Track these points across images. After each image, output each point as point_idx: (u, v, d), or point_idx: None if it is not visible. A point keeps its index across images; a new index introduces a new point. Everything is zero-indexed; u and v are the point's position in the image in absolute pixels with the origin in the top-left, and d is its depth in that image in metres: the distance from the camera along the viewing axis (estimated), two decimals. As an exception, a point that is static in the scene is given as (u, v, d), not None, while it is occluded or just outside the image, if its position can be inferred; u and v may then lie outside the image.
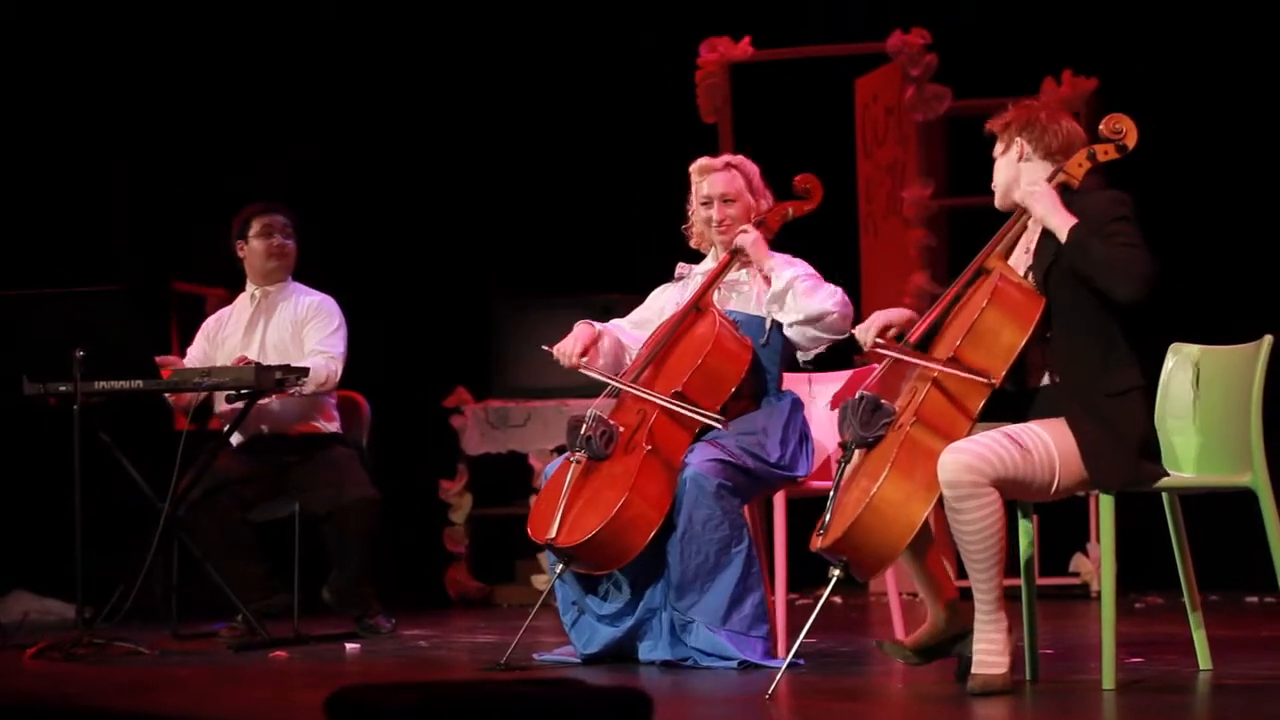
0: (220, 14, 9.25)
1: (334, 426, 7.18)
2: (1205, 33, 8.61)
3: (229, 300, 7.54)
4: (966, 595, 4.98)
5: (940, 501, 4.89)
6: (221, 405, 7.02)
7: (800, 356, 6.00)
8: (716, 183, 6.05)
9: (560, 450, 5.83)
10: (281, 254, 7.18)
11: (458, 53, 9.64)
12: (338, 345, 7.07)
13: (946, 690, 5.07)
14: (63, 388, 6.54)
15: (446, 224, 9.59)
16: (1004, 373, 4.94)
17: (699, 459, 5.71)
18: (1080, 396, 4.93)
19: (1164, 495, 5.12)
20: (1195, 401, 5.16)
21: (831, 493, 5.02)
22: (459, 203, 9.63)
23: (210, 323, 7.30)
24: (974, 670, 4.91)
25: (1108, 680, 4.93)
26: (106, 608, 6.60)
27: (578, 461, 5.76)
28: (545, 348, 6.01)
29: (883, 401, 5.01)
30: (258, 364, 6.67)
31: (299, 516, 6.92)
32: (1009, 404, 5.04)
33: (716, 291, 6.02)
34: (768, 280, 5.94)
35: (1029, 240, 5.13)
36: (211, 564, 6.78)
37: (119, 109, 9.04)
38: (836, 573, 4.97)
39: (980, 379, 4.91)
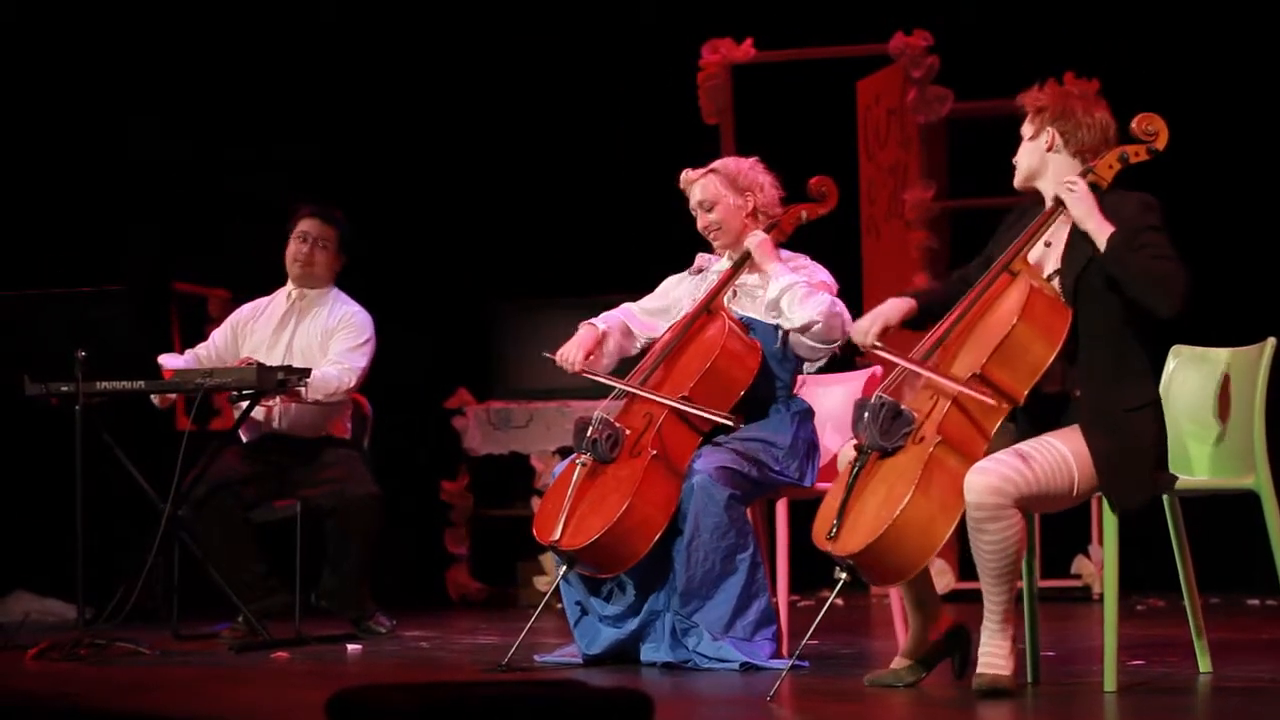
0: (221, 15, 9.25)
1: (344, 432, 7.19)
2: (1207, 34, 8.61)
3: (229, 301, 7.54)
4: (973, 596, 4.97)
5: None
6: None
7: (805, 368, 5.99)
8: (695, 191, 6.06)
9: (565, 451, 5.82)
10: (307, 262, 7.14)
11: (459, 54, 9.64)
12: (358, 360, 7.04)
13: (948, 692, 5.07)
14: (64, 388, 6.54)
15: (449, 225, 9.59)
16: (1026, 393, 4.91)
17: (707, 465, 5.71)
18: (1098, 412, 4.90)
19: (1165, 497, 5.12)
20: (1219, 403, 5.16)
21: (844, 494, 4.96)
22: (461, 204, 9.63)
23: (245, 310, 7.26)
24: (980, 669, 4.91)
25: (1109, 682, 4.93)
26: (108, 608, 6.60)
27: (583, 464, 5.76)
28: (547, 354, 6.01)
29: (903, 408, 4.96)
30: (260, 364, 6.66)
31: (301, 515, 6.92)
32: (1024, 409, 5.01)
33: (731, 294, 6.01)
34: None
35: (1051, 235, 5.08)
36: (213, 565, 6.78)
37: (120, 109, 9.04)
38: (843, 576, 4.95)
39: (993, 401, 4.87)
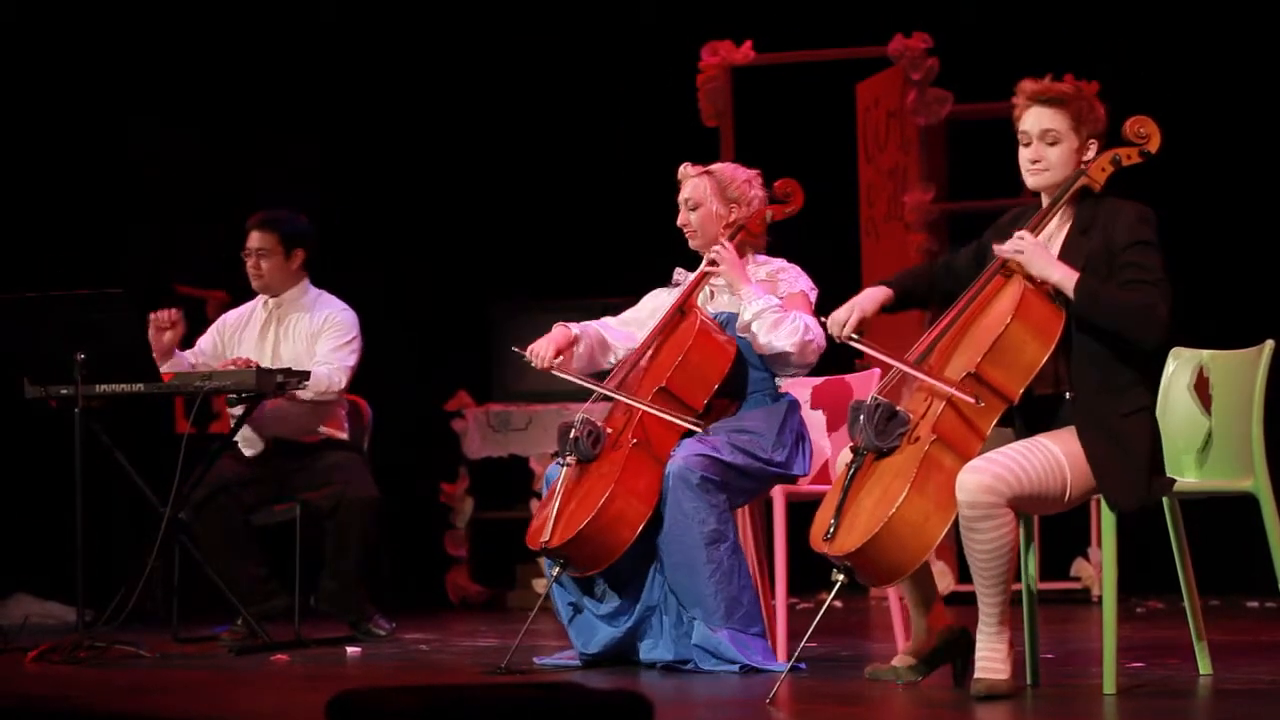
0: (222, 18, 9.25)
1: (344, 436, 7.18)
2: (1207, 36, 8.61)
3: (229, 303, 7.54)
4: (973, 599, 4.97)
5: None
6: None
7: (777, 380, 6.02)
8: (685, 188, 6.07)
9: (557, 456, 5.85)
10: (256, 276, 7.12)
11: (459, 56, 9.65)
12: (346, 359, 7.03)
13: (947, 695, 5.07)
14: (64, 390, 6.54)
15: (448, 227, 9.60)
16: (1020, 393, 4.91)
17: (685, 453, 5.73)
18: (1092, 414, 4.89)
19: (1165, 500, 5.12)
20: (1199, 403, 5.16)
21: (840, 496, 4.98)
22: (461, 206, 9.64)
23: (228, 319, 7.26)
24: (978, 675, 4.91)
25: (1109, 685, 4.93)
26: (108, 611, 6.60)
27: (567, 465, 5.79)
28: (516, 349, 6.03)
29: (898, 409, 4.97)
30: (259, 367, 6.67)
31: (300, 517, 6.92)
32: (1015, 412, 5.01)
33: (706, 290, 6.03)
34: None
35: (1047, 239, 5.05)
36: (212, 567, 6.78)
37: (121, 111, 9.04)
38: (840, 578, 4.95)
39: (988, 406, 4.87)
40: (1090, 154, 5.03)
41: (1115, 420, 4.89)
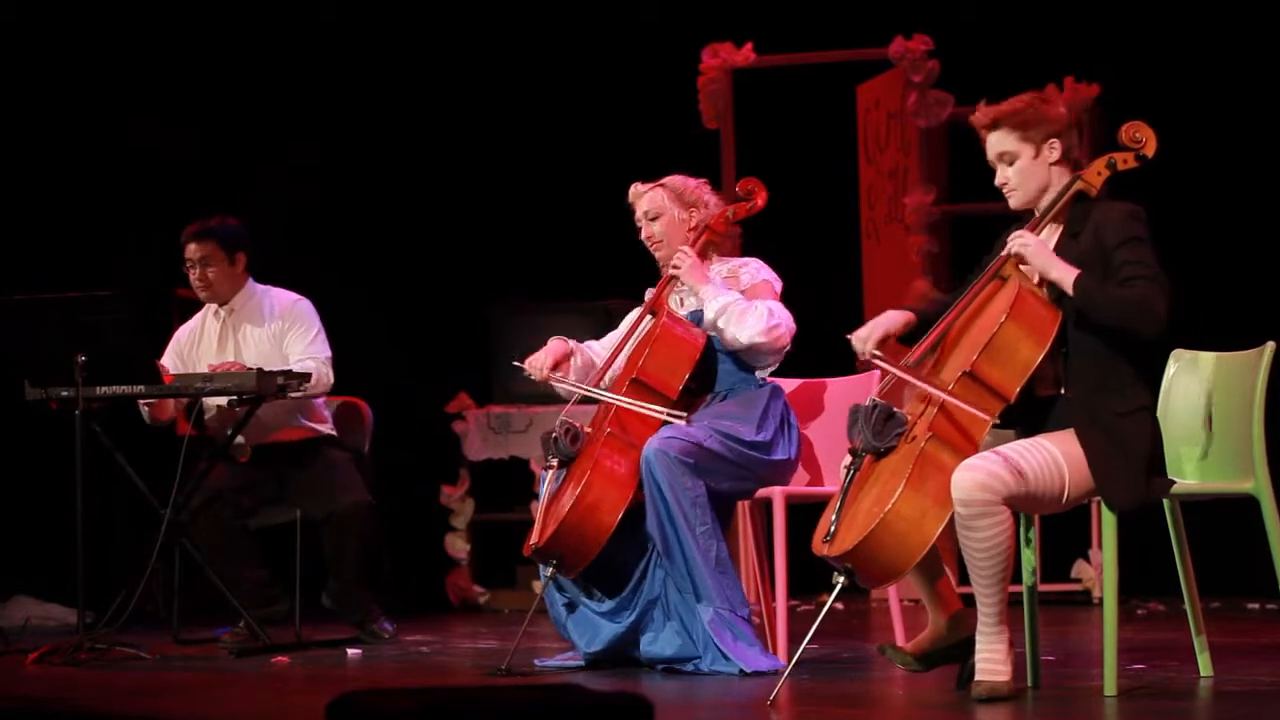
0: (222, 20, 9.25)
1: (326, 428, 7.15)
2: (1207, 38, 8.61)
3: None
4: (967, 600, 4.98)
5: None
6: (211, 412, 7.00)
7: (758, 374, 6.03)
8: (641, 203, 6.14)
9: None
10: (203, 286, 7.09)
11: (459, 58, 9.65)
12: (322, 349, 7.02)
13: (948, 697, 5.07)
14: (65, 393, 6.54)
15: (449, 229, 9.60)
16: (1017, 391, 4.91)
17: (660, 436, 5.78)
18: (1090, 413, 4.90)
19: (1165, 502, 5.12)
20: (1208, 409, 5.16)
21: (840, 499, 4.99)
22: (461, 208, 9.64)
23: (181, 336, 7.22)
24: (978, 676, 4.91)
25: (1109, 687, 4.93)
26: (108, 613, 6.60)
27: (551, 468, 5.88)
28: (516, 363, 6.08)
29: (895, 410, 4.98)
30: (259, 369, 6.66)
31: (300, 522, 6.92)
32: (1016, 413, 5.01)
33: (674, 297, 6.08)
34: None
35: (1041, 240, 5.08)
36: (213, 569, 6.78)
37: (121, 113, 9.04)
38: (841, 580, 4.96)
39: (984, 416, 4.88)
40: (1055, 154, 5.04)
41: (1114, 419, 4.89)
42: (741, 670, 5.62)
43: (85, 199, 9.00)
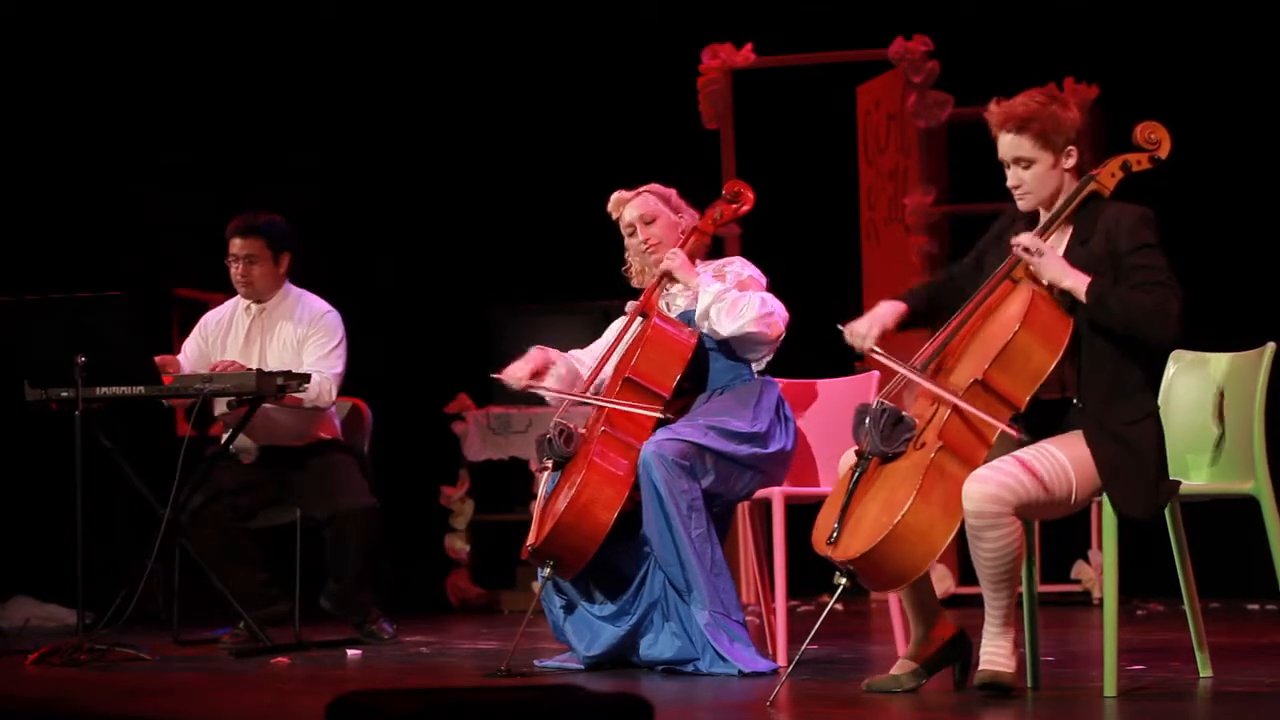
0: (222, 22, 9.25)
1: (332, 431, 7.15)
2: (1207, 39, 8.61)
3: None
4: (973, 601, 4.97)
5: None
6: (220, 408, 7.01)
7: (753, 367, 6.04)
8: (633, 208, 6.14)
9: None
10: (245, 281, 7.07)
11: (459, 60, 9.65)
12: (335, 365, 6.99)
13: (948, 698, 5.07)
14: (64, 393, 6.54)
15: (449, 230, 9.60)
16: (1028, 400, 4.90)
17: (658, 439, 5.78)
18: (1101, 422, 4.89)
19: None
20: (1213, 408, 5.15)
21: (844, 500, 4.97)
22: (461, 209, 9.64)
23: (209, 321, 7.22)
24: (982, 666, 4.91)
25: (1109, 687, 4.93)
26: (108, 613, 6.60)
27: (545, 469, 5.89)
28: (494, 375, 6.08)
29: (904, 414, 4.95)
30: (259, 370, 6.66)
31: (300, 523, 6.92)
32: (1024, 416, 5.00)
33: (662, 301, 6.09)
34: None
35: (1052, 246, 5.06)
36: (213, 570, 6.78)
37: (121, 114, 9.04)
38: (843, 581, 4.95)
39: (994, 423, 4.86)
40: (1070, 160, 5.03)
41: (1124, 427, 4.88)
42: (740, 671, 5.62)
43: (86, 199, 9.00)
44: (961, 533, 4.90)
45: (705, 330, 5.95)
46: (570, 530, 5.71)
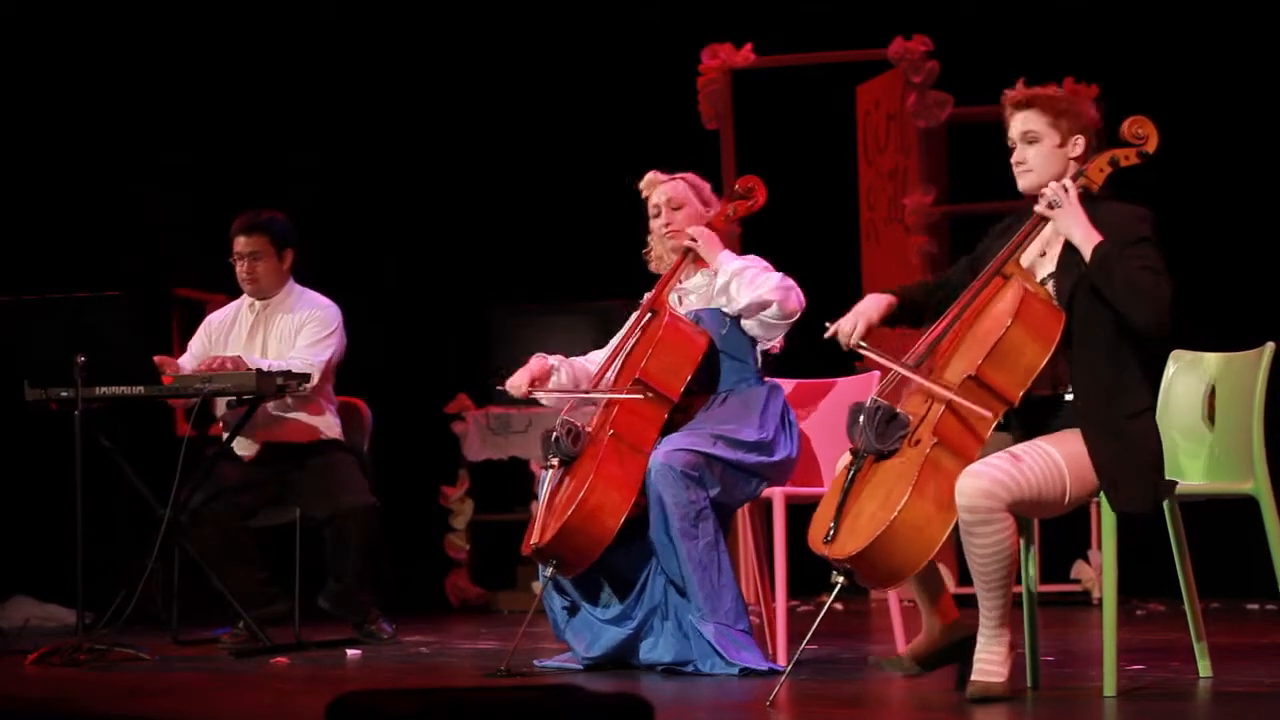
0: (222, 23, 9.26)
1: (332, 430, 7.13)
2: (1207, 39, 8.61)
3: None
4: (972, 601, 4.97)
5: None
6: (221, 409, 7.02)
7: (762, 346, 6.03)
8: (663, 191, 6.15)
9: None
10: (251, 279, 7.09)
11: (459, 59, 9.65)
12: (321, 354, 7.00)
13: (948, 698, 5.07)
14: (64, 393, 6.54)
15: (448, 231, 9.60)
16: (1020, 395, 4.91)
17: (666, 447, 5.76)
18: (1096, 418, 4.89)
19: (1165, 502, 5.11)
20: (1204, 407, 5.16)
21: (840, 498, 4.98)
22: (461, 209, 9.64)
23: (213, 321, 7.24)
24: (974, 676, 4.91)
25: (1109, 687, 4.93)
26: (108, 613, 6.60)
27: (551, 467, 5.87)
28: (498, 386, 6.09)
29: (898, 411, 4.96)
30: (259, 369, 6.66)
31: (300, 522, 6.92)
32: (1013, 414, 5.01)
33: (673, 298, 6.07)
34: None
35: (1044, 242, 5.09)
36: (212, 570, 6.78)
37: (121, 115, 9.04)
38: (841, 580, 4.95)
39: (987, 414, 4.87)
40: (1077, 149, 5.04)
41: (1120, 423, 4.88)
42: (741, 669, 5.62)
43: (86, 199, 8.99)
44: (957, 531, 4.90)
45: (721, 306, 5.94)
46: (576, 533, 5.71)
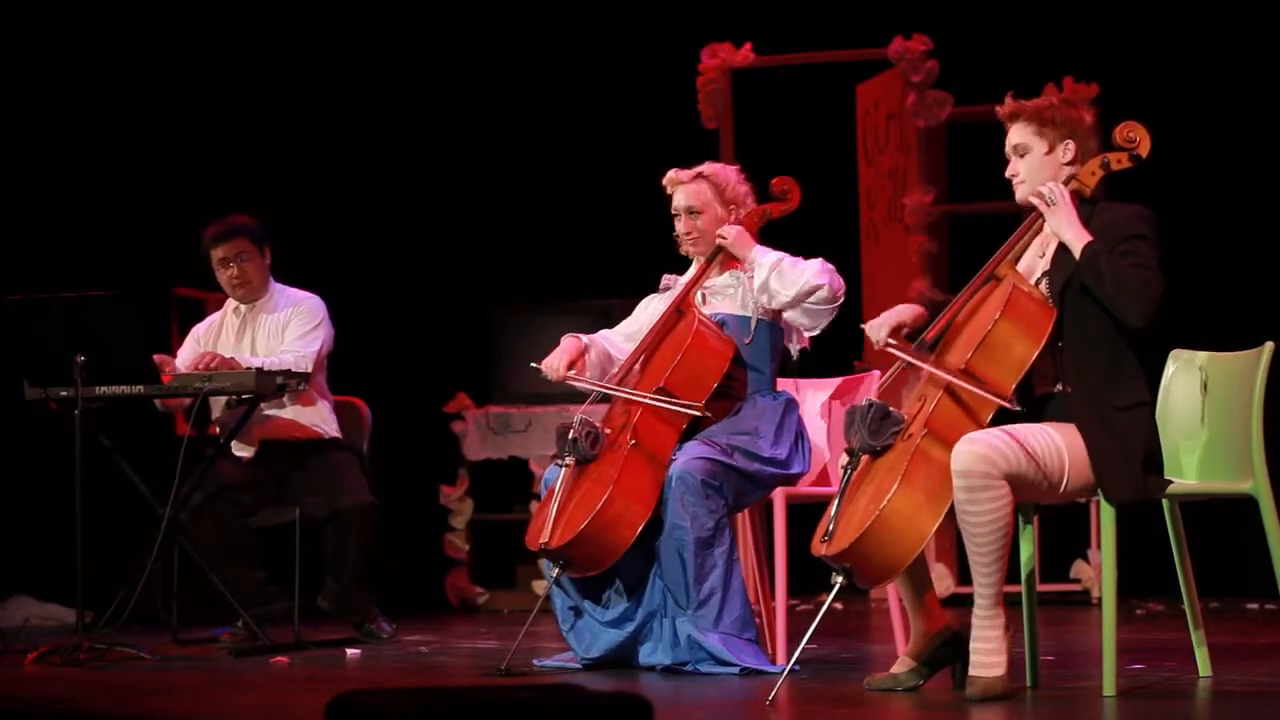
0: (223, 23, 9.26)
1: (330, 429, 7.12)
2: (1206, 39, 8.61)
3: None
4: (966, 601, 4.97)
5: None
6: (218, 411, 7.02)
7: (807, 334, 5.99)
8: (682, 195, 6.08)
9: (556, 457, 5.87)
10: (242, 282, 7.10)
11: (459, 59, 9.65)
12: (310, 345, 7.00)
13: (946, 698, 5.07)
14: (64, 393, 6.54)
15: (448, 230, 9.60)
16: (1014, 387, 4.93)
17: (686, 456, 5.74)
18: (1090, 408, 4.92)
19: (1164, 502, 5.12)
20: (1204, 406, 5.16)
21: (837, 499, 5.01)
22: (461, 209, 9.64)
23: (201, 329, 7.24)
24: (972, 673, 4.92)
25: (1108, 687, 4.93)
26: (107, 613, 6.60)
27: (566, 466, 5.81)
28: (534, 365, 6.05)
29: (891, 409, 5.00)
30: (258, 369, 6.66)
31: (299, 522, 6.92)
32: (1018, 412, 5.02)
33: (699, 296, 6.04)
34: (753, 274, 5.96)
35: (1043, 244, 5.10)
36: (212, 569, 6.78)
37: (121, 114, 9.04)
38: (839, 580, 4.97)
39: (993, 398, 4.90)
40: (1068, 154, 5.07)
41: (1113, 413, 4.92)
42: (742, 668, 5.62)
43: (86, 199, 8.99)
44: (952, 519, 4.90)
45: (763, 303, 5.91)
46: (592, 541, 5.69)
